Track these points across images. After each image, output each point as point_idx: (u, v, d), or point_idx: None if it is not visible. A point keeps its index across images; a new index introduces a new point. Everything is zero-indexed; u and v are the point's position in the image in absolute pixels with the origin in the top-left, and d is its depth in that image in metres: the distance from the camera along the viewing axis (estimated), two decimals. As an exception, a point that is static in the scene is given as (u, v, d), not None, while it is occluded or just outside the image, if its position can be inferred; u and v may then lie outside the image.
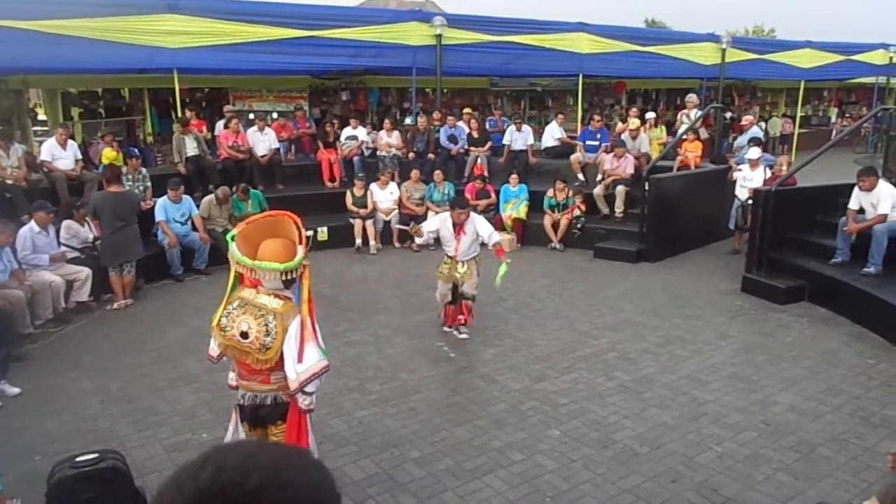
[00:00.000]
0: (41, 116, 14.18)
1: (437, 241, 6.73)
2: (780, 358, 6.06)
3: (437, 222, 6.41)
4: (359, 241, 10.02)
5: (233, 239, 3.26)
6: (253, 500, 0.72)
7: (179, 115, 10.94)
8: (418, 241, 6.45)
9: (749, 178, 9.39)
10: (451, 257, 6.37)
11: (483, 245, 6.45)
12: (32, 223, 7.10)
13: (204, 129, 11.75)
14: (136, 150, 9.53)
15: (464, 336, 6.50)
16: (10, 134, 9.05)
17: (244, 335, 3.19)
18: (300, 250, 3.21)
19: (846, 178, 8.05)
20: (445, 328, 6.70)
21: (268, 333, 3.16)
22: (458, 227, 6.19)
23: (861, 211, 7.41)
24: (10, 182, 8.25)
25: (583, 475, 4.17)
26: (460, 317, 6.53)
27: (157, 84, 12.64)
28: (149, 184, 9.19)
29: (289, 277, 3.20)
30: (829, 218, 8.01)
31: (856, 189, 7.42)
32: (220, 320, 3.28)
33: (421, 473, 4.20)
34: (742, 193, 9.46)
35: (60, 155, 9.04)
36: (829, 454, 4.39)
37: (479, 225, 6.30)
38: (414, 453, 4.44)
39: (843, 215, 7.54)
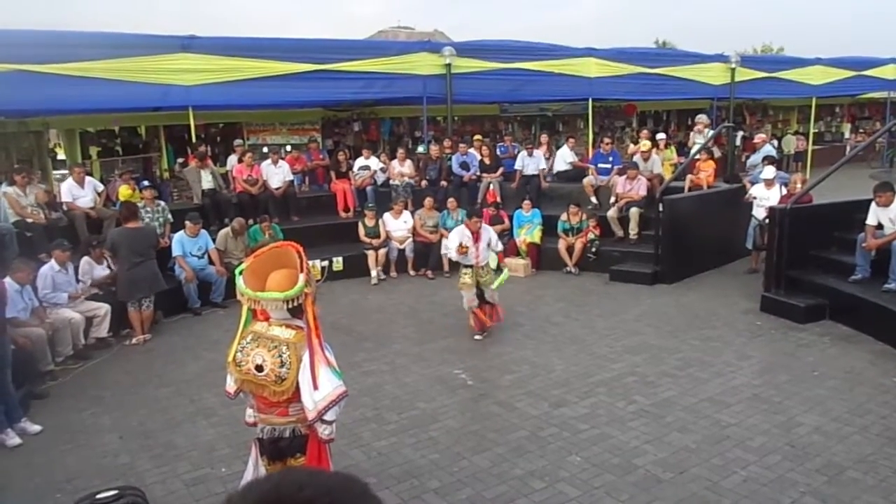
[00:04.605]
0: (60, 156, 14.45)
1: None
2: (803, 378, 5.96)
3: (459, 236, 7.13)
4: (374, 272, 10.01)
5: (241, 273, 3.30)
6: None
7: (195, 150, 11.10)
8: (466, 259, 7.17)
9: (766, 197, 9.34)
10: (470, 266, 7.12)
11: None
12: (52, 261, 7.20)
13: (210, 162, 11.90)
14: (148, 183, 9.66)
15: (486, 331, 7.27)
16: (29, 172, 9.20)
17: (259, 368, 3.20)
18: (301, 278, 3.23)
19: (862, 194, 7.98)
20: (476, 336, 7.24)
21: (282, 365, 3.16)
22: (475, 234, 7.11)
23: (879, 226, 7.34)
24: (30, 220, 8.38)
25: (606, 503, 4.10)
26: (488, 319, 7.27)
27: (173, 121, 12.90)
28: (169, 216, 9.27)
29: (292, 305, 3.21)
30: (846, 234, 7.92)
31: (873, 205, 7.36)
32: (234, 356, 3.29)
33: (441, 504, 4.16)
34: (759, 213, 9.37)
35: (79, 194, 9.18)
36: (857, 476, 4.30)
37: (492, 234, 7.43)
38: (434, 483, 4.40)
39: (861, 231, 7.47)
